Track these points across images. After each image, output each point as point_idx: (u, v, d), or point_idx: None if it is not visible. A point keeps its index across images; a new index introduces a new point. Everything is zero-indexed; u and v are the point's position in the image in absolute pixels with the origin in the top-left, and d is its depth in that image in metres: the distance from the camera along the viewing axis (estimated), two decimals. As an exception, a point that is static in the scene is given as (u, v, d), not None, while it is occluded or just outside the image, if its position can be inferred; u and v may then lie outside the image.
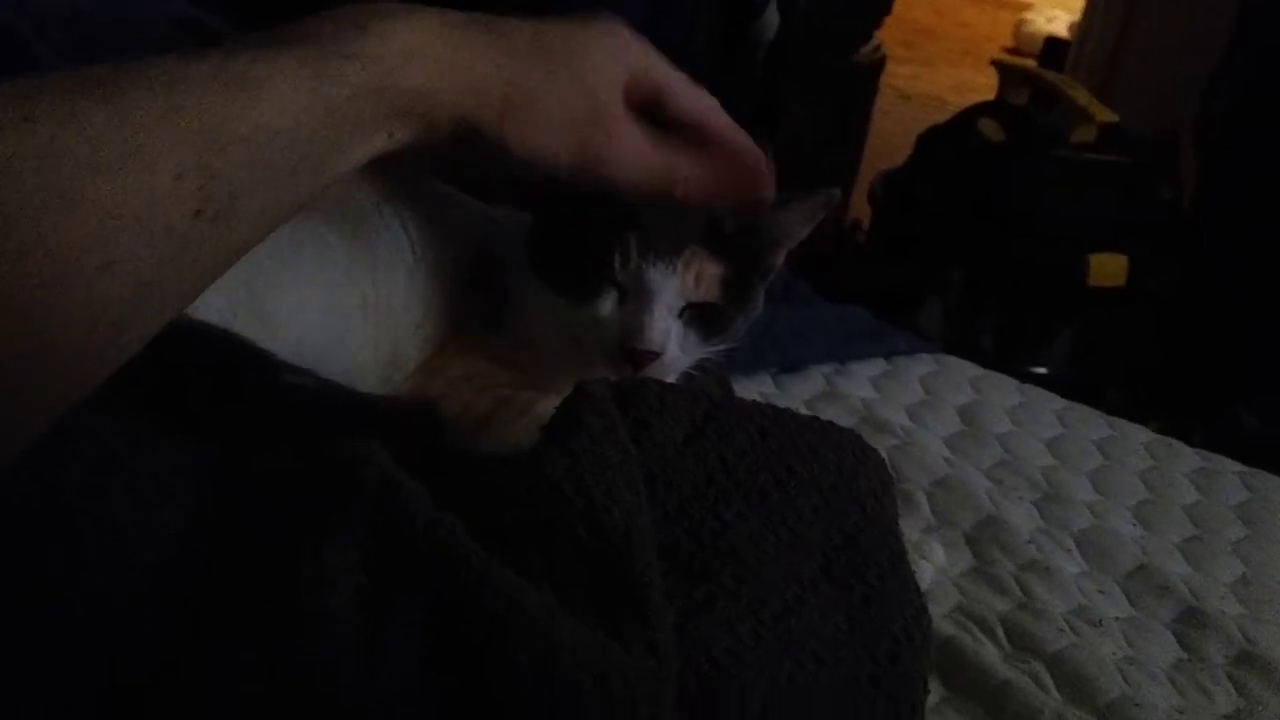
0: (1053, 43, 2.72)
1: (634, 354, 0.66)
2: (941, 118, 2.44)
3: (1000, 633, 0.75)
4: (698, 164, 0.64)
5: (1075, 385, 2.09)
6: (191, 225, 0.45)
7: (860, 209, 2.64)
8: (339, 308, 0.67)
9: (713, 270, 0.68)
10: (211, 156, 0.45)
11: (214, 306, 0.59)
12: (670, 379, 0.69)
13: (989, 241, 2.10)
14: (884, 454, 0.89)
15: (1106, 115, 2.05)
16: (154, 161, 0.43)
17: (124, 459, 0.52)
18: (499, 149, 0.57)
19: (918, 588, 0.64)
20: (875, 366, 1.09)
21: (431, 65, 0.54)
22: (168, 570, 0.49)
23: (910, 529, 0.81)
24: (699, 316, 0.69)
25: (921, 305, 2.21)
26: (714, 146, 0.66)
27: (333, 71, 0.50)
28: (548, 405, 0.67)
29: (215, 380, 0.57)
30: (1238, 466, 1.01)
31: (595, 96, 0.60)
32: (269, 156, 0.48)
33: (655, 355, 0.67)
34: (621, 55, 0.62)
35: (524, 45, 0.59)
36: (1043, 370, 2.11)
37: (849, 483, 0.64)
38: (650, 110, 0.64)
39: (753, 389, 0.99)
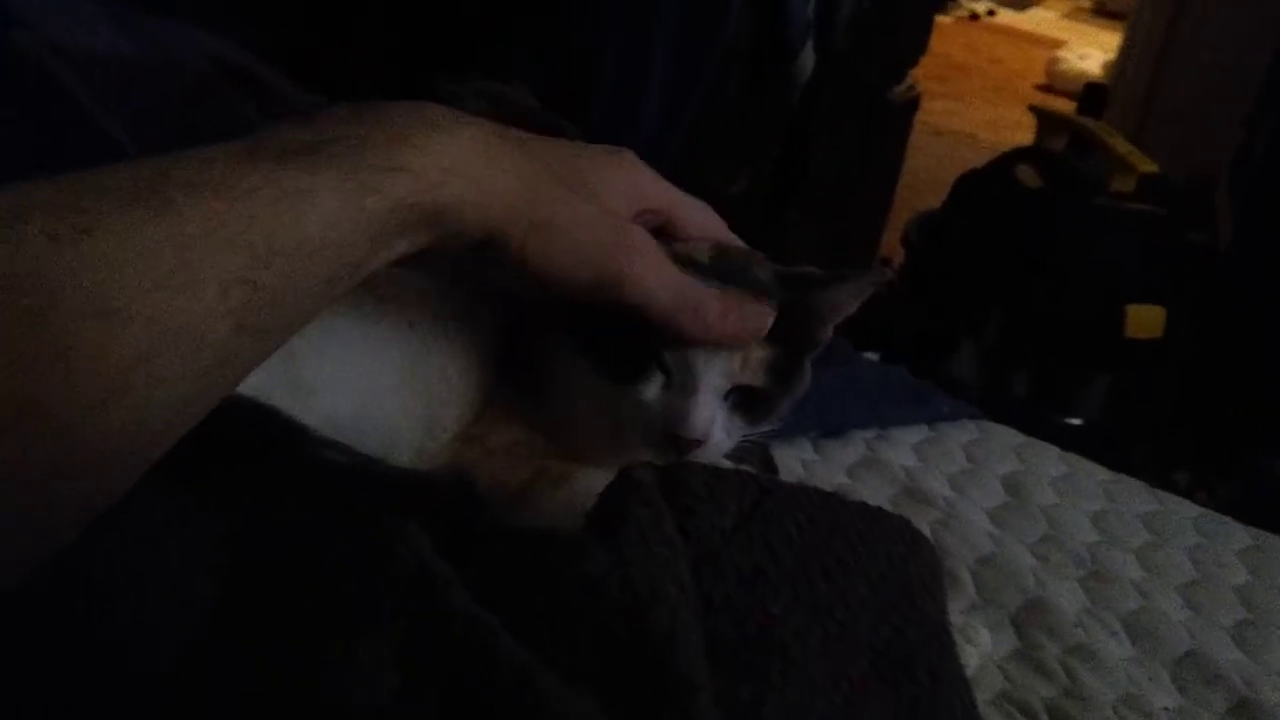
0: (1092, 87, 2.70)
1: (678, 441, 0.65)
2: (974, 154, 2.44)
3: (1046, 722, 0.73)
4: (715, 296, 0.64)
5: (1110, 435, 2.08)
6: (233, 337, 0.45)
7: (891, 247, 2.63)
8: (375, 376, 0.66)
9: (760, 353, 0.66)
10: (256, 271, 0.45)
11: (251, 380, 0.57)
12: (713, 461, 0.67)
13: (1025, 288, 2.08)
14: (928, 528, 0.88)
15: (1147, 165, 2.03)
16: (201, 276, 0.43)
17: (159, 534, 0.51)
18: (518, 264, 0.57)
19: (967, 684, 0.61)
20: (917, 432, 1.06)
21: (467, 181, 0.54)
22: (197, 652, 0.48)
23: (954, 610, 0.79)
24: (745, 400, 0.67)
25: (955, 349, 2.19)
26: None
27: (375, 185, 0.50)
28: (587, 478, 0.65)
29: (250, 456, 0.56)
30: (1289, 544, 0.98)
31: (616, 218, 0.61)
32: (309, 268, 0.48)
33: (699, 443, 0.65)
34: (635, 186, 0.64)
35: (552, 164, 0.60)
36: (1077, 421, 2.09)
37: (899, 573, 0.61)
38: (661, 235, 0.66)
39: (793, 455, 0.97)
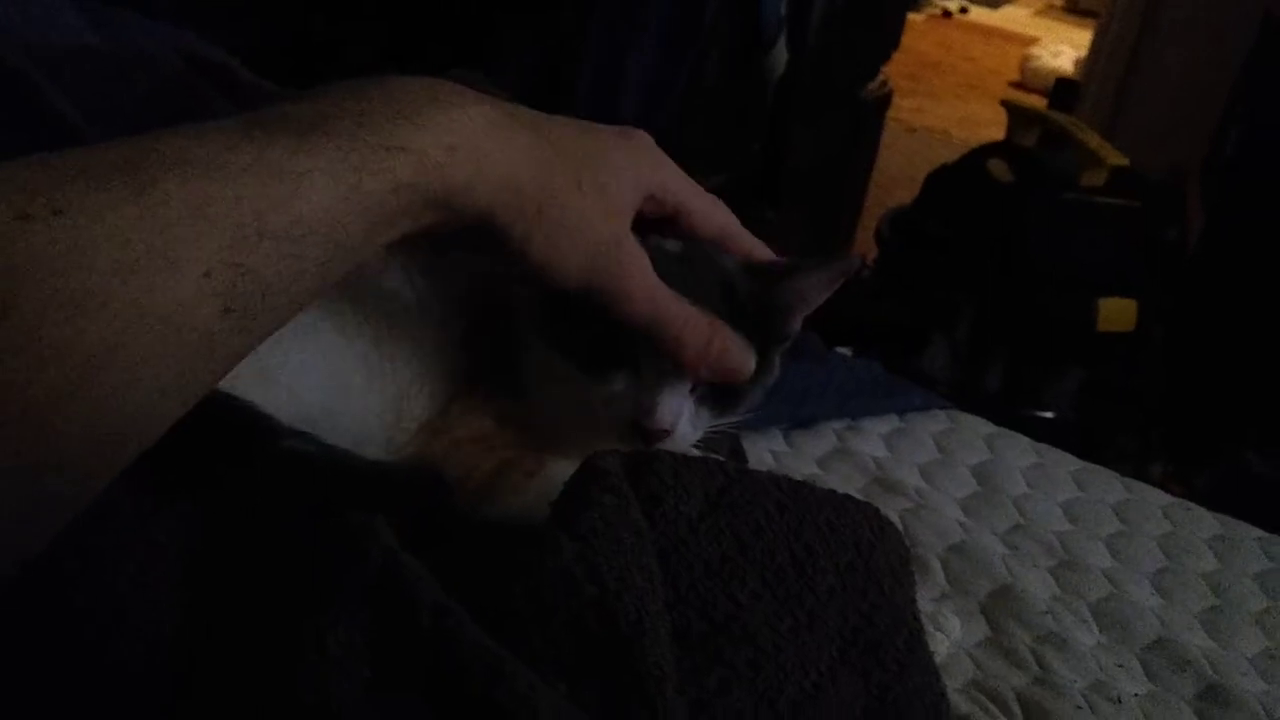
0: (1063, 83, 2.71)
1: (645, 431, 0.65)
2: (947, 151, 2.44)
3: (1016, 709, 0.73)
4: (702, 330, 0.63)
5: (1082, 429, 2.09)
6: (218, 323, 0.43)
7: (864, 244, 2.63)
8: (341, 365, 0.65)
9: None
10: (244, 254, 0.43)
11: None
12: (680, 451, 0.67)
13: (997, 284, 2.09)
14: (898, 517, 0.88)
15: (1117, 159, 2.04)
16: (183, 260, 0.41)
17: (129, 527, 0.50)
18: (519, 252, 0.56)
19: (936, 671, 0.62)
20: (887, 423, 1.06)
21: (474, 162, 0.52)
22: (164, 648, 0.47)
23: (925, 598, 0.79)
24: (713, 392, 0.67)
25: (927, 345, 2.20)
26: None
27: (376, 165, 0.48)
28: (556, 469, 0.65)
29: (218, 448, 0.55)
30: (1257, 532, 0.98)
31: (616, 220, 0.60)
32: (303, 251, 0.45)
33: (666, 434, 0.65)
34: (644, 175, 0.62)
35: (564, 150, 0.57)
36: (1049, 414, 2.10)
37: (867, 561, 0.61)
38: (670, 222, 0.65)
39: (763, 446, 0.97)
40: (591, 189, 0.58)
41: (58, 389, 0.38)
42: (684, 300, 0.62)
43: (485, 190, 0.53)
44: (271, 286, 0.45)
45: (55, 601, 0.47)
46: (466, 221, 0.53)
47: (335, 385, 0.65)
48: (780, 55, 2.11)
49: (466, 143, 0.52)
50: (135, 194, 0.40)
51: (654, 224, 0.65)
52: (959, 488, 0.99)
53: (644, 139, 0.63)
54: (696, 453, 0.68)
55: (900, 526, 0.74)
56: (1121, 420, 2.18)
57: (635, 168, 0.61)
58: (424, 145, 0.50)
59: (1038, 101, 3.27)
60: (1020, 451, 1.06)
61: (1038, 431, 1.10)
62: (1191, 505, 1.01)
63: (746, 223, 0.71)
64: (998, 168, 2.14)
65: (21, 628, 0.46)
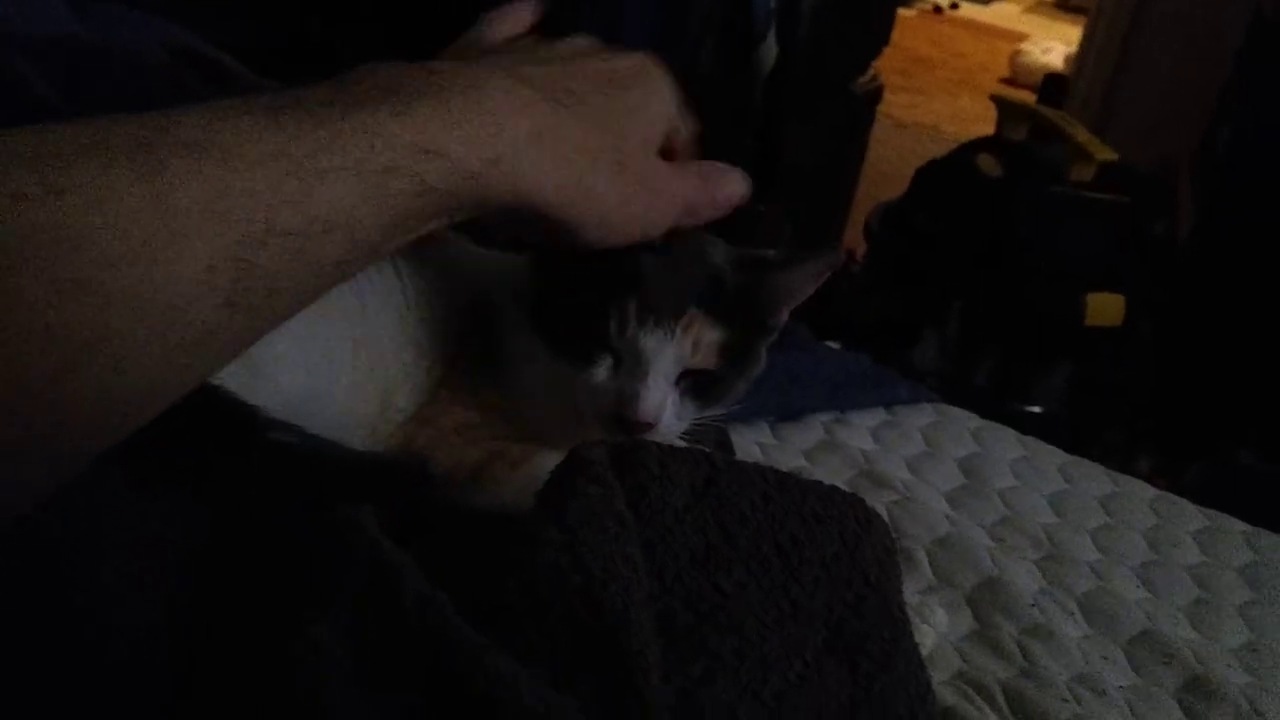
0: (1052, 78, 2.72)
1: (628, 424, 0.65)
2: (937, 147, 2.44)
3: (1002, 701, 0.73)
4: (695, 185, 0.64)
5: (1071, 423, 2.09)
6: (218, 315, 0.41)
7: (854, 238, 2.63)
8: (327, 353, 0.65)
9: (712, 336, 0.66)
10: (252, 250, 0.41)
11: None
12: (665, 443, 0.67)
13: (986, 278, 2.09)
14: (884, 510, 0.88)
15: (1106, 154, 2.04)
16: (185, 250, 0.39)
17: (121, 526, 0.50)
18: (572, 240, 0.56)
19: (921, 662, 0.62)
20: (875, 416, 1.07)
21: (515, 174, 0.50)
22: (163, 647, 0.47)
23: (911, 590, 0.79)
24: (697, 384, 0.67)
25: (917, 339, 2.20)
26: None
27: (406, 167, 0.45)
28: (543, 460, 0.65)
29: (200, 438, 0.55)
30: (1242, 525, 0.99)
31: (653, 178, 0.60)
32: (317, 248, 0.43)
33: (650, 426, 0.65)
34: (669, 113, 0.62)
35: (602, 130, 0.56)
36: (1037, 409, 2.10)
37: (852, 551, 0.61)
38: None
39: (751, 438, 0.97)
40: (633, 157, 0.58)
41: (50, 371, 0.37)
42: (676, 176, 0.63)
43: (519, 195, 0.51)
44: (279, 283, 0.43)
45: (55, 602, 0.46)
46: (504, 219, 0.53)
47: (322, 372, 0.64)
48: (770, 49, 2.10)
49: (508, 154, 0.50)
50: (143, 177, 0.38)
51: None
52: (946, 481, 0.99)
53: (661, 75, 0.63)
54: (682, 444, 0.68)
55: (887, 519, 0.74)
56: (1109, 415, 2.19)
57: (661, 111, 0.62)
58: (461, 151, 0.48)
59: (1028, 97, 3.26)
60: (1007, 445, 1.06)
61: (1026, 426, 1.11)
62: (1177, 499, 1.01)
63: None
64: (987, 162, 2.14)
65: (21, 628, 0.45)
